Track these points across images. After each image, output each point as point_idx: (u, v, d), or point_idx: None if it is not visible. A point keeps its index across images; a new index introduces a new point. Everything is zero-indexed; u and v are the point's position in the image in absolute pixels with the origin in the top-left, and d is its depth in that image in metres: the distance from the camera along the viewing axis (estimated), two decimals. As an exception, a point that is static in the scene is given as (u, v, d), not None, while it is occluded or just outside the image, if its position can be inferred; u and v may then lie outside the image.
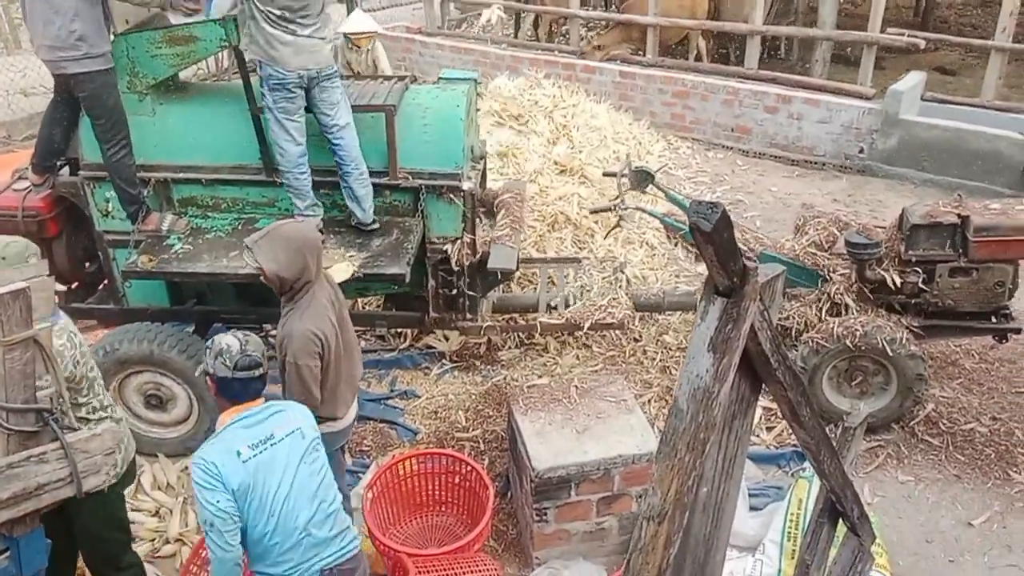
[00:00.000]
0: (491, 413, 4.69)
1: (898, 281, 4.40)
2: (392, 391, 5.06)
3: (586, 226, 6.11)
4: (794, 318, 4.68)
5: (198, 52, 4.26)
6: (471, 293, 4.71)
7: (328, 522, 2.81)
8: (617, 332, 5.22)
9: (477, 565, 3.47)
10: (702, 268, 5.89)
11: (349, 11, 7.96)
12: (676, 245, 6.22)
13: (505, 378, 5.02)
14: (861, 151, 8.05)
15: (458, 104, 4.40)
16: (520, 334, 5.24)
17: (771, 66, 9.77)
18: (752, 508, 4.06)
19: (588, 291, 5.27)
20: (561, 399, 3.99)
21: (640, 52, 9.69)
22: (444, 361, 5.30)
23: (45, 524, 2.55)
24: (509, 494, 4.22)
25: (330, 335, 3.21)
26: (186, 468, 4.22)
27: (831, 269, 4.66)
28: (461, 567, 3.43)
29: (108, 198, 4.39)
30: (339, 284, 3.59)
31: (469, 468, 3.91)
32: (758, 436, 4.62)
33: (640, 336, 5.29)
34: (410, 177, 4.37)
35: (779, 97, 8.37)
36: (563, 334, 5.21)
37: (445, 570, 3.40)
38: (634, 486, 3.71)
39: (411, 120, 4.35)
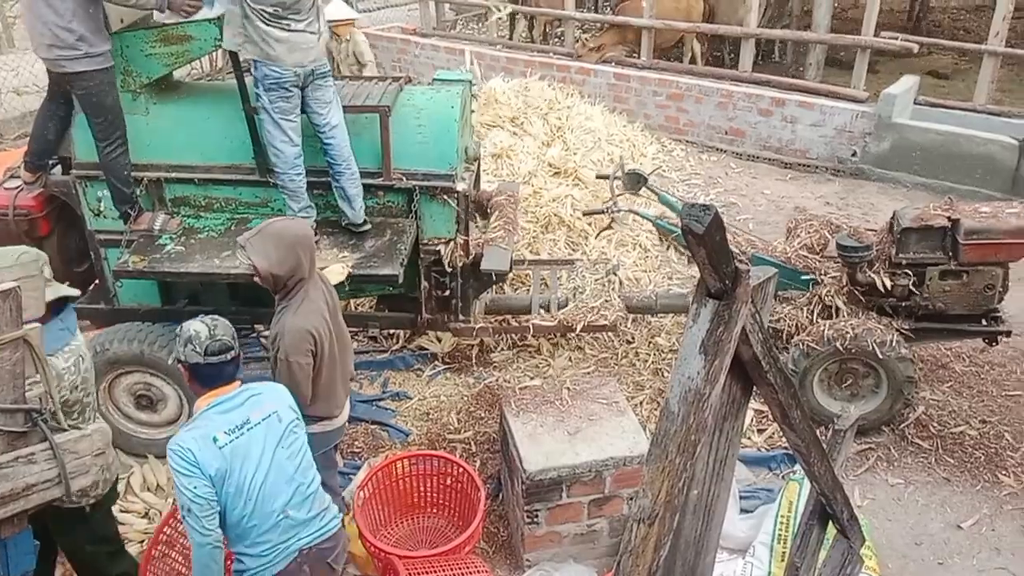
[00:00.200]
0: (483, 415, 4.69)
1: (889, 284, 4.42)
2: (384, 392, 5.05)
3: (579, 228, 6.12)
4: (785, 320, 4.69)
5: (192, 51, 4.25)
6: (464, 294, 4.71)
7: (306, 504, 2.83)
8: (610, 334, 5.22)
9: (468, 567, 3.46)
10: (695, 270, 5.90)
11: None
12: (669, 247, 6.24)
13: (497, 380, 5.02)
14: (854, 154, 8.08)
15: (453, 105, 4.40)
16: (513, 336, 5.24)
17: (765, 69, 9.80)
18: (743, 510, 4.07)
19: (581, 293, 5.28)
20: (553, 401, 3.99)
21: (635, 54, 9.71)
22: (436, 363, 5.29)
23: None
24: (500, 496, 4.22)
25: (324, 333, 3.21)
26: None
27: (822, 272, 4.67)
28: (452, 569, 3.43)
29: (100, 197, 4.37)
30: (332, 286, 3.59)
31: (461, 470, 3.91)
32: (749, 438, 4.63)
33: (632, 338, 5.29)
34: (404, 178, 4.37)
35: (773, 100, 8.40)
36: (556, 336, 5.21)
37: (436, 572, 3.39)
38: (625, 488, 3.71)
39: (405, 121, 4.35)
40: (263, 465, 2.72)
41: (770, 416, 4.05)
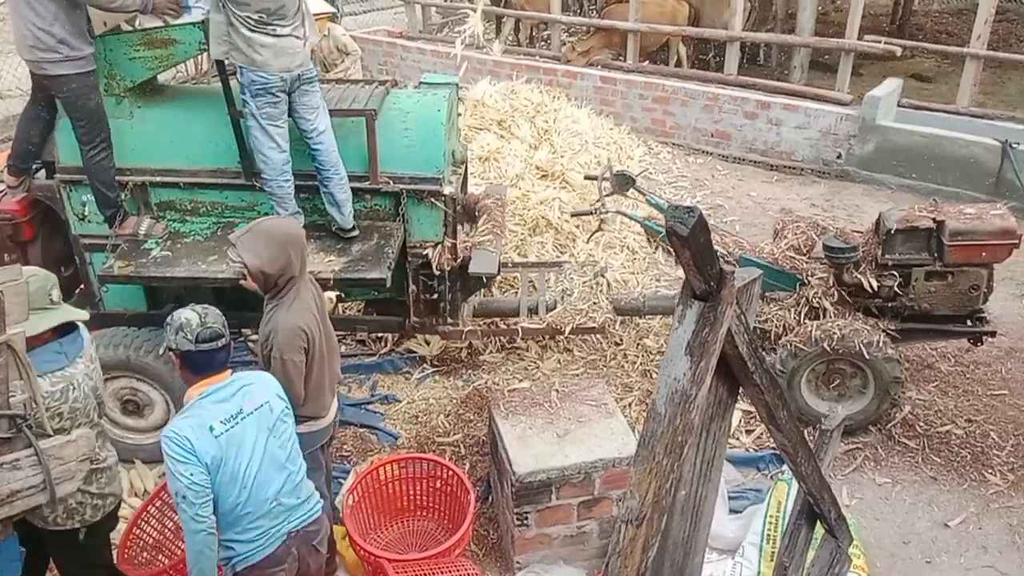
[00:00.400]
0: (472, 417, 4.69)
1: (875, 285, 4.44)
2: (373, 396, 5.04)
3: (567, 230, 6.13)
4: (772, 321, 4.71)
5: (177, 55, 4.23)
6: (452, 297, 4.71)
7: (296, 490, 2.92)
8: (598, 336, 5.23)
9: (458, 570, 3.46)
10: (682, 272, 5.92)
11: None
12: (656, 249, 6.25)
13: (486, 382, 5.01)
14: (839, 156, 8.13)
15: (439, 109, 4.40)
16: (501, 338, 5.24)
17: (750, 72, 9.85)
18: (732, 511, 4.08)
19: (569, 295, 5.28)
20: (542, 403, 3.99)
21: (621, 58, 9.74)
22: (425, 365, 5.29)
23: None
24: (490, 499, 4.22)
25: (314, 331, 3.23)
26: (163, 474, 4.18)
27: (809, 273, 4.70)
28: (442, 572, 3.42)
29: (84, 201, 4.34)
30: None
31: (450, 473, 3.91)
32: (737, 439, 4.65)
33: (621, 340, 5.30)
34: (391, 182, 4.36)
35: (758, 103, 8.44)
36: (544, 338, 5.22)
37: (426, 575, 3.38)
38: (615, 490, 3.71)
39: (392, 124, 4.34)
40: (256, 454, 2.77)
41: (758, 416, 4.07)
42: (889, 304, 4.53)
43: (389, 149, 4.32)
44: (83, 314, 2.95)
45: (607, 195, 5.09)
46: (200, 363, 2.78)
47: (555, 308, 5.10)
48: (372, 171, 4.33)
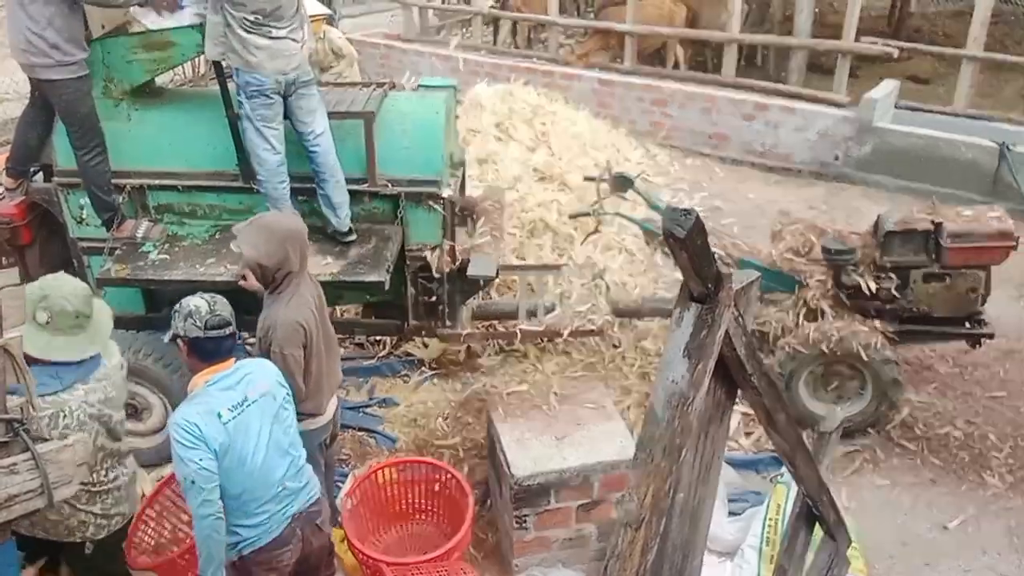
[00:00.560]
0: (470, 420, 4.68)
1: (873, 287, 4.45)
2: (371, 399, 5.04)
3: (565, 233, 6.12)
4: (771, 323, 4.71)
5: (174, 57, 4.23)
6: (451, 300, 4.70)
7: (299, 475, 3.01)
8: (597, 339, 5.22)
9: (456, 573, 3.45)
10: (680, 274, 5.91)
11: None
12: (655, 251, 6.24)
13: (485, 385, 5.00)
14: (836, 158, 8.13)
15: (437, 111, 4.39)
16: (500, 341, 5.23)
17: (748, 74, 9.84)
18: (731, 513, 4.08)
19: (567, 298, 5.27)
20: (541, 406, 3.99)
21: (618, 60, 9.74)
22: (423, 369, 5.28)
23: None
24: (489, 502, 4.21)
25: (312, 327, 3.26)
26: (162, 477, 4.17)
27: (807, 275, 4.70)
28: (441, 575, 3.42)
29: (82, 205, 4.34)
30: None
31: (449, 476, 3.90)
32: (736, 441, 4.64)
33: (619, 342, 5.29)
34: (389, 184, 4.36)
35: (756, 105, 8.44)
36: (543, 341, 5.21)
37: (424, 579, 3.38)
38: (614, 492, 3.71)
39: (390, 127, 4.34)
40: (262, 441, 2.84)
41: (756, 419, 4.07)
42: (887, 306, 4.53)
43: (387, 152, 4.31)
44: (97, 348, 2.89)
45: (605, 197, 5.08)
46: (208, 350, 2.83)
47: (554, 311, 5.09)
48: (370, 174, 4.33)
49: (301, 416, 3.29)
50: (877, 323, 4.53)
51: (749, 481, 4.46)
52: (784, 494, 3.91)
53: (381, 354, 5.41)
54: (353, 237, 4.33)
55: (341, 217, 4.27)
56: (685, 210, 1.49)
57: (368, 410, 4.94)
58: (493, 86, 8.07)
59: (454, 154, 4.78)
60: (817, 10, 9.95)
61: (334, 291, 4.12)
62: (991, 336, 4.61)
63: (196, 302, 2.84)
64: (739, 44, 9.36)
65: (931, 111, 8.30)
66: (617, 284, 5.68)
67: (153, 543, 3.64)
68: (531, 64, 9.85)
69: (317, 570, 3.26)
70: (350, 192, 4.29)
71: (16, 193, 4.39)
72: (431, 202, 4.40)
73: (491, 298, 5.43)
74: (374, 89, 4.58)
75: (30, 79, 4.06)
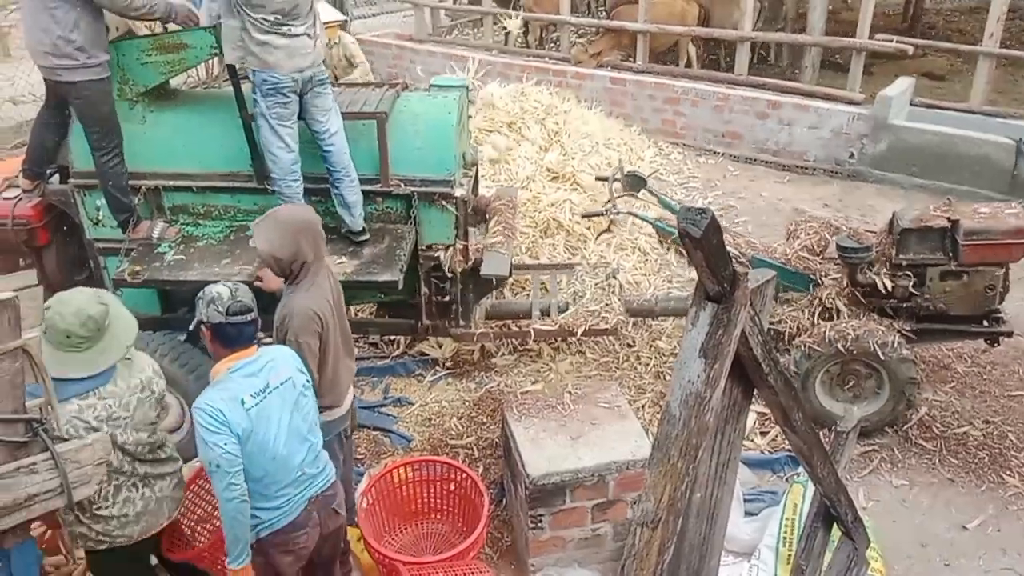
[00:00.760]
0: (485, 420, 4.69)
1: (889, 285, 4.41)
2: (385, 398, 5.05)
3: (578, 232, 6.12)
4: (786, 322, 4.69)
5: (188, 60, 4.26)
6: (464, 300, 4.70)
7: (316, 460, 3.08)
8: (610, 338, 5.22)
9: (472, 573, 3.45)
10: (694, 273, 5.89)
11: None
12: (668, 250, 6.24)
13: (499, 385, 5.01)
14: (851, 156, 8.08)
15: (450, 111, 4.40)
16: (513, 341, 5.23)
17: (761, 72, 9.81)
18: (747, 513, 4.06)
19: (581, 297, 5.27)
20: (555, 405, 3.98)
21: (630, 59, 9.72)
22: (437, 368, 5.29)
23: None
24: (504, 501, 4.21)
25: (328, 317, 3.29)
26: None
27: (823, 273, 4.67)
28: (456, 575, 3.42)
29: (99, 206, 4.37)
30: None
31: (464, 475, 3.90)
32: (752, 441, 4.62)
33: (634, 342, 5.29)
34: (402, 184, 4.37)
35: (769, 103, 8.41)
36: (556, 340, 5.21)
37: (440, 578, 3.38)
38: (629, 492, 3.70)
39: (403, 127, 4.35)
40: (282, 427, 2.91)
41: (773, 419, 4.05)
42: (904, 304, 4.50)
43: (400, 152, 4.32)
44: (91, 371, 2.78)
45: (618, 196, 5.08)
46: (230, 336, 2.87)
47: (567, 310, 5.09)
48: (383, 174, 4.34)
49: (320, 409, 3.33)
50: (894, 322, 4.51)
51: (765, 481, 4.44)
52: (801, 494, 3.89)
53: (395, 354, 5.43)
54: (367, 237, 4.35)
55: (355, 216, 4.28)
56: (700, 209, 1.48)
57: (383, 409, 4.95)
58: (505, 86, 8.08)
59: (466, 154, 4.78)
60: (831, 7, 9.89)
61: (348, 291, 4.12)
62: (1009, 334, 4.57)
63: (219, 289, 2.90)
64: (752, 42, 9.32)
65: (947, 108, 8.24)
66: (630, 283, 5.68)
67: (189, 531, 3.65)
68: (543, 64, 9.84)
69: (333, 561, 3.31)
70: (363, 192, 4.30)
71: (33, 195, 4.43)
72: (444, 202, 4.40)
73: (504, 297, 5.43)
74: (386, 90, 4.59)
75: (48, 82, 4.09)
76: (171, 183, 4.39)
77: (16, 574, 2.42)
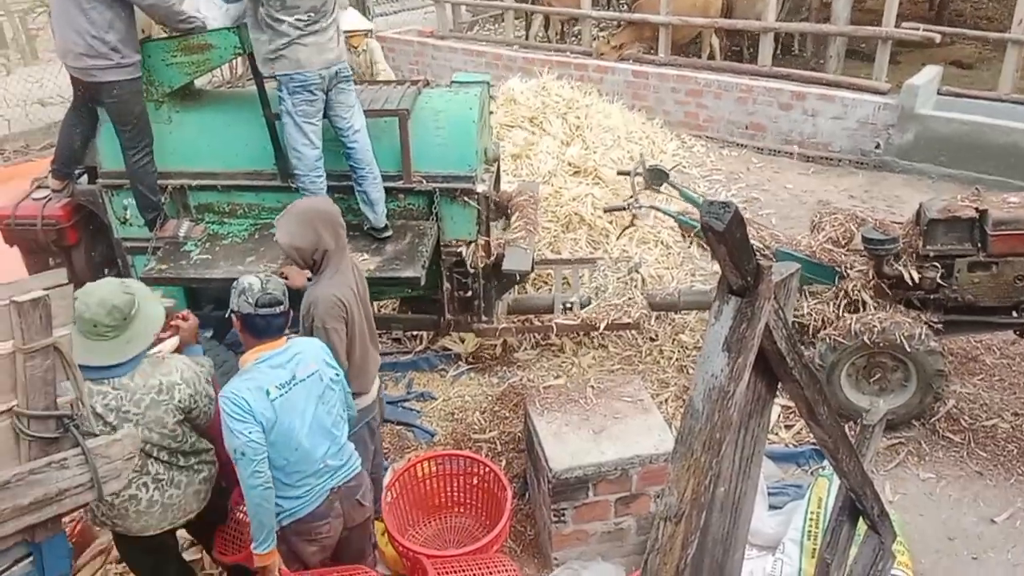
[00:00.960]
0: (507, 414, 4.70)
1: (916, 277, 4.36)
2: (409, 393, 5.08)
3: (600, 226, 6.11)
4: (811, 315, 4.65)
5: (213, 60, 4.31)
6: (486, 295, 4.72)
7: (340, 453, 3.10)
8: (633, 332, 5.21)
9: (496, 566, 3.46)
10: (717, 267, 5.86)
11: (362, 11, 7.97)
12: (691, 244, 6.19)
13: (521, 379, 5.02)
14: (877, 146, 7.99)
15: (471, 107, 4.41)
16: (536, 335, 5.24)
17: (785, 63, 9.72)
18: (771, 507, 4.04)
19: (603, 291, 5.26)
20: (578, 400, 3.98)
21: (652, 51, 9.67)
22: (460, 363, 5.31)
23: None
24: (527, 495, 4.22)
25: (352, 304, 3.34)
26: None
27: (848, 265, 4.62)
28: (480, 568, 3.43)
29: (126, 205, 4.44)
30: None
31: (487, 469, 3.92)
32: (776, 434, 4.60)
33: (656, 336, 5.27)
34: (424, 180, 4.39)
35: (793, 94, 8.33)
36: (579, 335, 5.21)
37: (464, 571, 3.40)
38: (652, 486, 3.70)
39: (424, 124, 4.36)
40: (306, 419, 2.94)
41: (797, 412, 4.02)
42: (931, 296, 4.44)
43: (422, 148, 4.34)
44: (110, 361, 2.80)
45: (640, 191, 5.06)
46: (259, 327, 2.92)
47: (589, 304, 5.09)
48: (405, 170, 4.36)
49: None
50: (921, 314, 4.45)
51: (789, 474, 4.41)
52: (825, 487, 3.86)
53: (418, 349, 5.45)
54: (390, 233, 4.37)
55: (378, 213, 4.31)
56: (724, 203, 1.47)
57: (406, 404, 4.98)
58: (526, 81, 8.07)
59: (488, 149, 4.79)
60: (855, -4, 9.78)
61: (372, 287, 4.14)
62: (1039, 325, 4.50)
63: (251, 280, 2.94)
64: (776, 33, 9.23)
65: (975, 97, 8.12)
66: (653, 277, 5.66)
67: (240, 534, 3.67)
68: (564, 58, 9.81)
69: (362, 554, 3.32)
70: (385, 189, 4.32)
71: (62, 195, 4.50)
72: (466, 198, 4.42)
73: (526, 292, 5.44)
74: (408, 87, 4.61)
75: (78, 83, 4.15)
76: (196, 182, 4.45)
77: (47, 568, 2.46)
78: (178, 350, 3.16)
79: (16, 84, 10.29)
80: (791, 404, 4.47)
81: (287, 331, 3.07)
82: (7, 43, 13.01)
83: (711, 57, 9.90)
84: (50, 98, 9.85)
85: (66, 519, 2.91)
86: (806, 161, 8.33)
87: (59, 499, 2.33)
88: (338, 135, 4.19)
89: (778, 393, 2.04)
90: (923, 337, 4.27)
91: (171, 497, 3.02)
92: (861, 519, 2.57)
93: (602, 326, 4.92)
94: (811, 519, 3.75)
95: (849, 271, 4.60)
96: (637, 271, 5.43)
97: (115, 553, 3.79)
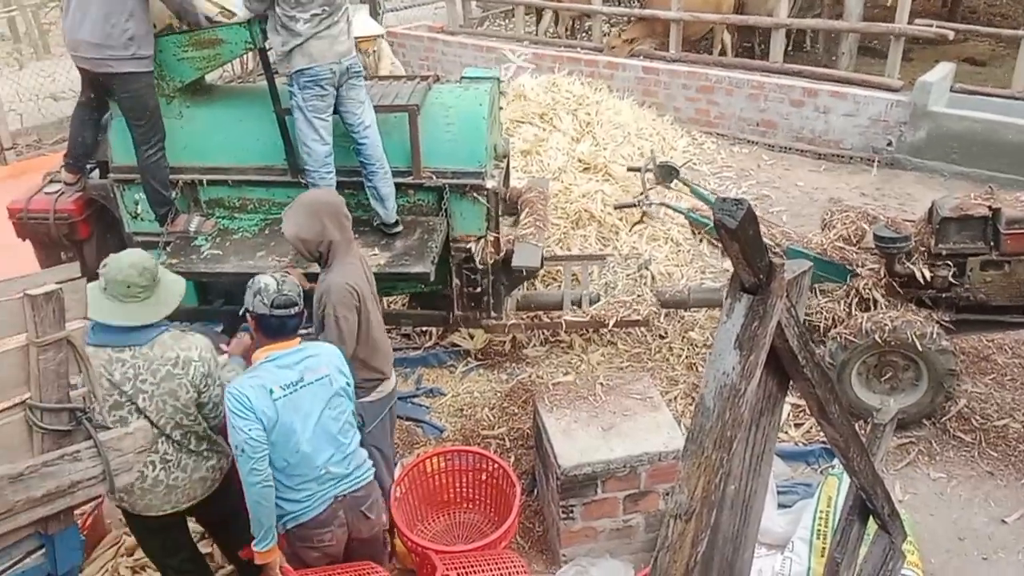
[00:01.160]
0: (516, 411, 4.70)
1: (928, 275, 4.34)
2: (418, 389, 5.08)
3: (610, 223, 6.09)
4: (822, 313, 4.63)
5: (224, 55, 4.31)
6: (496, 291, 4.72)
7: (345, 461, 3.06)
8: (642, 329, 5.20)
9: (504, 562, 3.47)
10: (727, 264, 5.84)
11: (372, 14, 7.96)
12: (701, 241, 6.19)
13: (530, 376, 5.02)
14: (889, 144, 7.94)
15: (481, 103, 4.41)
16: (545, 332, 5.24)
17: (796, 59, 9.67)
18: (781, 505, 4.03)
19: (613, 288, 5.26)
20: (587, 396, 3.98)
21: (663, 47, 9.64)
22: (469, 359, 5.31)
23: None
24: (535, 492, 4.22)
25: (364, 291, 3.36)
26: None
27: (859, 263, 4.61)
28: (488, 564, 3.44)
29: (137, 200, 4.45)
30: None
31: (496, 466, 3.92)
32: (786, 432, 4.58)
33: (666, 333, 5.26)
34: (434, 176, 4.39)
35: (805, 90, 8.28)
36: (588, 331, 5.20)
37: (472, 567, 3.40)
38: (661, 484, 3.70)
39: (434, 119, 4.36)
40: (310, 423, 2.92)
41: (807, 410, 4.01)
42: (943, 295, 4.42)
43: (431, 144, 4.34)
44: (143, 320, 2.88)
45: (651, 187, 5.04)
46: (273, 327, 2.93)
47: (599, 301, 5.08)
48: (415, 166, 4.36)
49: (372, 382, 3.45)
50: (932, 312, 4.43)
51: (799, 473, 4.40)
52: (835, 486, 3.85)
53: (427, 345, 5.46)
54: (400, 229, 4.38)
55: (389, 209, 4.31)
56: (737, 200, 1.47)
57: (415, 400, 4.99)
58: (537, 77, 8.05)
59: (498, 145, 4.78)
60: (868, -8, 9.72)
61: (381, 283, 4.15)
62: (1053, 325, 4.47)
63: (266, 280, 2.95)
64: (788, 29, 9.18)
65: (988, 94, 8.05)
66: (663, 274, 5.65)
67: None
68: (575, 54, 9.79)
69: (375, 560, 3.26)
70: (395, 185, 4.33)
71: (76, 188, 4.52)
72: (475, 194, 4.42)
73: (536, 289, 5.44)
74: (418, 82, 4.61)
75: (89, 74, 4.13)
76: (207, 177, 4.46)
77: (59, 559, 2.48)
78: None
79: (29, 78, 10.33)
80: (801, 402, 4.46)
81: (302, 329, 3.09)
82: (20, 37, 13.08)
83: (723, 53, 9.85)
84: (62, 92, 9.88)
85: (78, 512, 2.94)
86: (817, 158, 8.29)
87: (71, 491, 2.35)
88: (349, 131, 4.19)
89: (788, 391, 2.03)
90: (935, 336, 4.25)
91: (176, 480, 3.05)
92: (871, 518, 2.56)
93: (611, 323, 4.91)
94: (820, 518, 3.74)
95: (860, 269, 4.58)
96: (647, 268, 5.42)
97: (126, 546, 3.83)
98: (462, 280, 4.67)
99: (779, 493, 4.09)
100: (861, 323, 4.34)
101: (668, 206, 5.29)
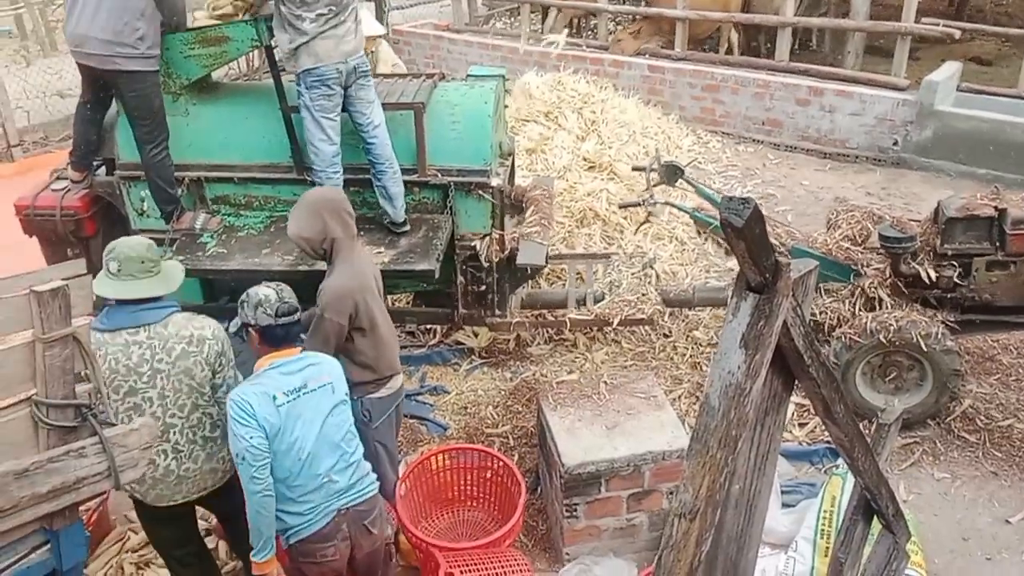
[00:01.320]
0: (520, 409, 4.70)
1: (933, 275, 4.33)
2: (422, 387, 5.09)
3: (615, 222, 6.09)
4: (827, 313, 4.62)
5: (230, 52, 4.32)
6: (500, 289, 4.72)
7: (348, 471, 3.01)
8: (647, 328, 5.20)
9: (508, 560, 3.48)
10: (732, 263, 5.84)
11: (378, 14, 7.94)
12: (706, 240, 6.18)
13: (534, 374, 5.02)
14: (895, 143, 7.92)
15: (486, 101, 4.41)
16: (549, 330, 5.24)
17: (802, 58, 9.65)
18: (785, 505, 4.03)
19: (617, 287, 5.26)
20: (591, 395, 3.98)
21: (670, 45, 9.62)
22: (473, 357, 5.31)
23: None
24: (539, 490, 4.23)
25: (366, 294, 3.34)
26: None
27: (864, 263, 4.60)
28: (492, 562, 3.45)
29: (143, 197, 4.46)
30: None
31: (500, 463, 3.93)
32: (791, 432, 4.58)
33: (670, 332, 5.26)
34: (439, 174, 4.39)
35: (811, 89, 8.27)
36: (592, 330, 5.20)
37: (476, 564, 3.41)
38: (665, 482, 3.70)
39: (440, 117, 4.37)
40: (312, 430, 2.90)
41: (811, 410, 4.00)
42: (948, 295, 4.41)
43: (437, 142, 4.34)
44: (161, 291, 2.96)
45: (655, 186, 5.04)
46: (278, 336, 2.93)
47: (603, 300, 5.08)
48: (420, 164, 4.36)
49: (381, 379, 3.45)
50: (937, 312, 4.42)
51: (803, 472, 4.40)
52: (839, 486, 3.84)
53: (432, 343, 5.46)
54: (408, 228, 4.38)
55: (397, 208, 4.32)
56: (743, 199, 1.46)
57: (419, 398, 4.99)
58: (542, 75, 8.05)
59: (503, 144, 4.78)
60: (875, -9, 9.69)
61: (386, 280, 4.16)
62: (1058, 326, 4.45)
63: (264, 291, 2.93)
64: (794, 27, 9.16)
65: (995, 94, 8.03)
66: (667, 273, 5.65)
67: None
68: (580, 52, 9.78)
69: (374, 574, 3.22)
70: (403, 183, 4.33)
71: (82, 184, 4.53)
72: (480, 191, 4.42)
73: (540, 287, 5.44)
74: (423, 80, 4.61)
75: (93, 72, 4.13)
76: (213, 174, 4.47)
77: (64, 555, 2.48)
78: None
79: (35, 75, 10.35)
80: (805, 402, 4.45)
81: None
82: (27, 35, 13.11)
83: (729, 52, 9.83)
84: (69, 90, 9.89)
85: (83, 508, 2.95)
86: (823, 157, 8.28)
87: (77, 487, 2.36)
88: (358, 130, 4.20)
89: (793, 391, 2.03)
90: (939, 336, 4.24)
91: (187, 470, 3.06)
92: (875, 518, 2.56)
93: (616, 322, 4.91)
94: (824, 518, 3.74)
95: (865, 269, 4.57)
96: (651, 267, 5.42)
97: (131, 542, 3.85)
98: (467, 278, 4.67)
99: (783, 493, 4.09)
100: (866, 323, 4.34)
101: (673, 205, 5.28)
